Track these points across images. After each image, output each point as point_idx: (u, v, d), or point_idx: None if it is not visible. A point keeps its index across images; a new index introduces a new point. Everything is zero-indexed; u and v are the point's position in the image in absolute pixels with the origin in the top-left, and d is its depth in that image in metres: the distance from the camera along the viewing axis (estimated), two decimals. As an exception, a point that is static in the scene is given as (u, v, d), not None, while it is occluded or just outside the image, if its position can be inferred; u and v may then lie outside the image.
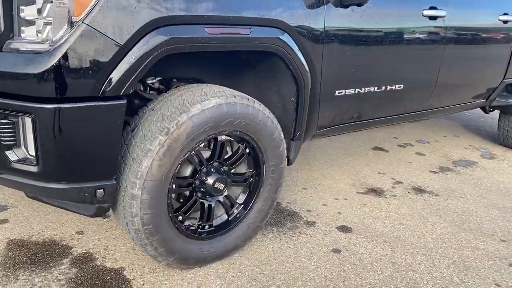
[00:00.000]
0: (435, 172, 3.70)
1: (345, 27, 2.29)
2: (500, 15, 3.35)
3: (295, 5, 2.04)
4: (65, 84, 1.47)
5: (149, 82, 2.26)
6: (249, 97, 2.05)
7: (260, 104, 2.05)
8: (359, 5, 2.27)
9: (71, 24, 1.47)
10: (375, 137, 4.59)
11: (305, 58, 2.15)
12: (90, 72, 1.52)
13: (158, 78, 2.26)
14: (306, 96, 2.25)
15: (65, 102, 1.50)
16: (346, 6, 2.26)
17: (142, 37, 1.59)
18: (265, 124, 2.06)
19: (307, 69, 2.18)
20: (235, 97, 1.93)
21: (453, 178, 3.59)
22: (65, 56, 1.45)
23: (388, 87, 2.71)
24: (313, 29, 2.14)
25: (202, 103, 1.83)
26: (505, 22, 3.41)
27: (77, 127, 1.55)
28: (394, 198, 3.10)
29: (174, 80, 2.27)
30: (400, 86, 2.78)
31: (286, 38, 2.02)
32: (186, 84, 2.28)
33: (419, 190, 3.28)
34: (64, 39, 1.46)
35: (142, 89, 2.19)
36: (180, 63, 2.21)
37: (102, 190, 1.70)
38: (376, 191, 3.18)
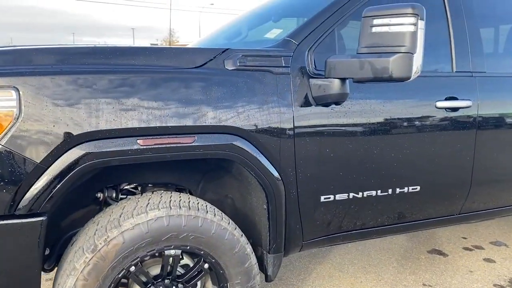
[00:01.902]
0: (501, 287, 2.99)
1: (323, 125, 2.07)
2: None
3: (251, 108, 1.90)
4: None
5: (128, 188, 2.24)
6: (206, 207, 1.90)
7: (216, 215, 1.88)
8: (337, 103, 2.05)
9: (-13, 145, 1.52)
10: (438, 236, 3.95)
11: (271, 163, 1.96)
12: (5, 190, 1.53)
13: (134, 184, 2.23)
14: (279, 203, 2.02)
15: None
16: (323, 105, 2.06)
17: (62, 154, 1.59)
18: (221, 237, 1.86)
19: (276, 174, 1.98)
20: (180, 208, 1.80)
21: (523, 298, 2.85)
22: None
23: (398, 190, 2.32)
24: (279, 131, 1.96)
25: (137, 217, 1.72)
26: None
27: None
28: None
29: (150, 185, 2.23)
30: (415, 188, 2.37)
31: (241, 143, 1.87)
32: (161, 188, 2.23)
33: (468, 313, 2.64)
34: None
35: (114, 196, 2.18)
36: (158, 167, 2.17)
37: None
38: (408, 311, 2.64)
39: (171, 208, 1.78)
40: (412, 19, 1.75)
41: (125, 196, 2.18)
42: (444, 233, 4.02)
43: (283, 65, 2.02)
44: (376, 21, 1.82)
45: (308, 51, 2.10)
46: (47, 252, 2.02)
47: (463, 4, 2.56)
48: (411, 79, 1.80)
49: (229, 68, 1.91)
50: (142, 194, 2.06)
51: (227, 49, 1.95)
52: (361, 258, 3.44)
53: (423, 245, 3.75)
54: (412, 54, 1.77)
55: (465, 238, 3.93)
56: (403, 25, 1.77)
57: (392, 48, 1.79)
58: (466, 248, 3.69)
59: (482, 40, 2.61)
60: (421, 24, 1.77)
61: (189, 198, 1.91)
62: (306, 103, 2.03)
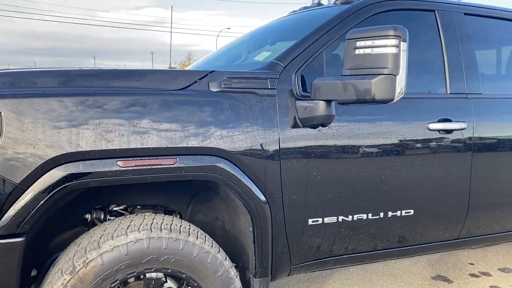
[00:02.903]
0: (507, 317, 2.86)
1: (310, 147, 2.05)
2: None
3: (235, 129, 1.90)
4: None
5: (117, 209, 2.25)
6: (189, 229, 1.88)
7: (198, 238, 1.86)
8: (323, 125, 2.04)
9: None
10: (444, 262, 3.82)
11: (256, 185, 1.94)
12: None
13: (123, 206, 2.23)
14: (265, 226, 1.99)
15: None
16: (310, 127, 2.04)
17: (42, 175, 1.60)
18: (203, 261, 1.84)
19: (261, 196, 1.96)
20: (161, 230, 1.79)
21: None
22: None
23: (390, 214, 2.27)
24: (265, 153, 1.95)
25: (116, 239, 1.72)
26: None
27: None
28: None
29: (138, 207, 2.23)
30: (408, 212, 2.31)
31: (225, 165, 1.87)
32: (150, 210, 2.23)
33: None
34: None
35: (102, 217, 2.18)
36: (146, 189, 2.18)
37: None
38: None
39: (151, 230, 1.77)
40: (394, 41, 1.74)
41: (114, 218, 2.19)
42: (450, 258, 3.89)
43: (269, 87, 2.02)
44: (359, 43, 1.82)
45: (295, 73, 2.10)
46: (34, 273, 2.02)
47: (457, 26, 2.55)
48: (394, 100, 1.78)
49: (214, 90, 1.92)
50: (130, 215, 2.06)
51: (212, 71, 1.97)
52: (362, 284, 3.34)
53: (427, 270, 3.63)
54: (395, 75, 1.75)
55: (472, 264, 3.80)
56: (386, 47, 1.76)
57: (375, 70, 1.78)
58: (473, 275, 3.56)
59: (477, 62, 2.57)
60: (404, 45, 1.76)
61: (172, 221, 1.90)
62: (292, 125, 2.02)
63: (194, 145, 1.81)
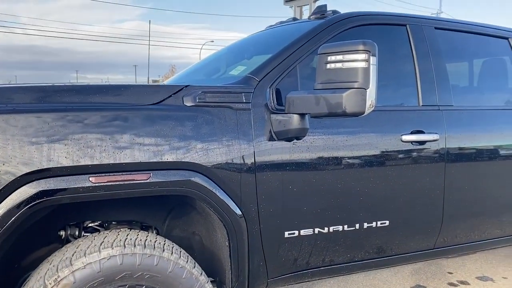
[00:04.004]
0: (484, 325, 2.89)
1: (285, 160, 2.07)
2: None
3: (210, 144, 1.91)
4: None
5: (93, 225, 2.22)
6: (164, 245, 1.87)
7: (173, 253, 1.85)
8: (298, 138, 2.06)
9: None
10: (423, 271, 3.86)
11: (232, 199, 1.95)
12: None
13: (97, 222, 2.21)
14: (240, 240, 1.99)
15: None
16: (285, 140, 2.07)
17: (12, 192, 1.58)
18: (178, 276, 1.82)
19: (237, 210, 1.96)
20: (134, 246, 1.77)
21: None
22: None
23: (366, 225, 2.29)
24: (240, 167, 1.96)
25: (89, 256, 1.70)
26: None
27: None
28: None
29: (114, 223, 2.20)
30: (384, 223, 2.34)
31: (200, 179, 1.87)
32: (125, 226, 2.21)
33: None
34: None
35: (77, 234, 2.15)
36: (121, 205, 2.16)
37: None
38: None
39: (125, 246, 1.75)
40: (363, 56, 1.78)
41: (89, 234, 2.16)
42: (430, 268, 3.93)
43: (244, 101, 2.04)
44: (330, 58, 1.86)
45: (270, 87, 2.13)
46: (6, 292, 1.98)
47: (428, 40, 2.61)
48: (365, 113, 1.82)
49: (188, 105, 1.93)
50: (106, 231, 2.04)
51: (187, 85, 1.98)
52: (341, 296, 3.35)
53: (407, 280, 3.66)
54: (365, 89, 1.79)
55: (451, 273, 3.84)
56: (356, 61, 1.80)
57: (346, 84, 1.81)
58: (451, 284, 3.60)
59: (449, 75, 2.64)
60: (373, 60, 1.80)
61: (146, 236, 1.89)
62: (268, 138, 2.04)
63: (168, 160, 1.81)
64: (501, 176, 2.75)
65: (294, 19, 2.97)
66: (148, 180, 1.78)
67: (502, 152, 2.70)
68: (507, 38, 3.03)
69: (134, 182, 1.76)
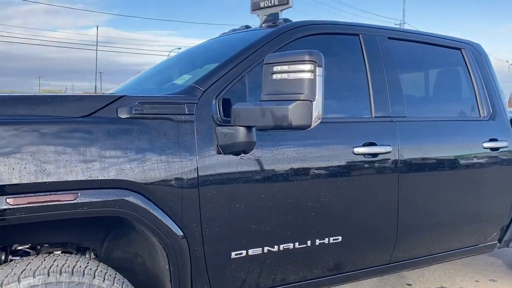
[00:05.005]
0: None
1: (232, 175, 1.95)
2: (485, 141, 2.79)
3: (147, 159, 1.76)
4: None
5: (23, 248, 2.02)
6: (95, 271, 1.70)
7: (105, 280, 1.69)
8: (245, 152, 1.95)
9: None
10: (383, 283, 3.80)
11: (172, 219, 1.81)
12: None
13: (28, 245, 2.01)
14: (182, 263, 1.85)
15: None
16: (232, 154, 1.95)
17: None
18: (110, 305, 1.66)
19: (177, 231, 1.82)
20: (60, 274, 1.60)
21: None
22: None
23: (318, 242, 2.20)
24: (181, 184, 1.82)
25: (6, 287, 1.51)
26: (495, 149, 2.82)
27: None
28: None
29: (46, 245, 2.01)
30: (336, 239, 2.25)
31: (135, 199, 1.72)
32: (59, 249, 2.02)
33: None
34: None
35: (3, 258, 1.94)
36: (53, 226, 1.97)
37: None
38: None
39: (49, 274, 1.58)
40: (309, 66, 1.69)
41: (18, 258, 1.96)
42: (389, 280, 3.89)
43: (186, 112, 1.91)
44: (275, 68, 1.76)
45: (216, 98, 2.01)
46: None
47: (381, 50, 2.57)
48: (311, 126, 1.72)
49: (123, 117, 1.78)
50: (37, 255, 1.85)
51: (123, 96, 1.83)
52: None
53: (366, 293, 3.60)
54: (311, 101, 1.70)
55: (409, 284, 3.81)
56: (302, 72, 1.70)
57: (292, 95, 1.72)
58: (410, 296, 3.57)
59: (402, 85, 2.60)
60: (319, 70, 1.71)
61: (76, 262, 1.72)
62: (212, 153, 1.92)
63: (98, 178, 1.65)
64: (455, 187, 2.73)
65: (247, 26, 2.88)
66: (75, 201, 1.62)
67: (455, 163, 2.68)
68: (460, 49, 3.04)
69: (60, 203, 1.60)
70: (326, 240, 2.22)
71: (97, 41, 36.01)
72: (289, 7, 8.75)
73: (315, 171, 2.16)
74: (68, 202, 1.61)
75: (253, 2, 9.54)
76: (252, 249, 2.03)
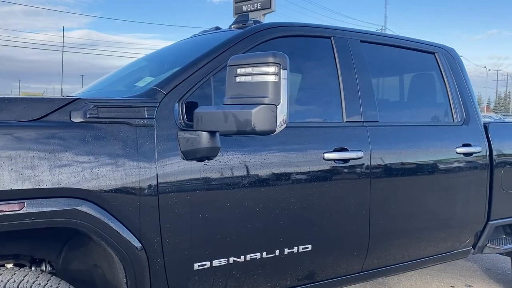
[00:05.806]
0: None
1: (194, 182, 1.86)
2: (458, 146, 2.76)
3: (101, 166, 1.65)
4: None
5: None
6: (46, 285, 1.59)
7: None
8: (208, 158, 1.86)
9: None
10: (358, 291, 3.75)
11: (129, 230, 1.71)
12: None
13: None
14: (140, 276, 1.75)
15: None
16: (196, 160, 1.86)
17: None
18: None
19: (135, 242, 1.72)
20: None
21: None
22: None
23: (287, 251, 2.12)
24: (139, 192, 1.72)
25: None
26: (468, 154, 2.79)
27: None
28: None
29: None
30: (306, 248, 2.17)
31: (88, 208, 1.62)
32: (10, 261, 1.89)
33: None
34: None
35: None
36: (4, 236, 1.84)
37: None
38: None
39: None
40: (273, 69, 1.61)
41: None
42: (366, 286, 3.84)
43: (146, 116, 1.81)
44: (239, 71, 1.68)
45: (179, 101, 1.92)
46: None
47: (353, 54, 2.51)
48: (276, 132, 1.65)
49: (76, 121, 1.67)
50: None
51: (77, 98, 1.72)
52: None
53: (341, 301, 3.53)
54: (276, 105, 1.62)
55: (385, 291, 3.77)
56: (266, 74, 1.63)
57: (255, 99, 1.64)
58: (385, 302, 3.52)
59: (374, 90, 2.55)
60: (284, 73, 1.64)
61: (24, 276, 1.60)
62: (174, 159, 1.82)
63: (47, 186, 1.54)
64: (429, 193, 2.68)
65: (217, 28, 2.79)
66: (21, 211, 1.50)
67: (428, 168, 2.63)
68: (433, 53, 3.01)
69: (3, 213, 1.48)
70: (295, 249, 2.14)
71: (63, 42, 35.18)
72: (272, 11, 8.70)
73: (283, 177, 2.08)
74: (13, 212, 1.49)
75: (235, 6, 9.49)
76: (217, 260, 1.94)
